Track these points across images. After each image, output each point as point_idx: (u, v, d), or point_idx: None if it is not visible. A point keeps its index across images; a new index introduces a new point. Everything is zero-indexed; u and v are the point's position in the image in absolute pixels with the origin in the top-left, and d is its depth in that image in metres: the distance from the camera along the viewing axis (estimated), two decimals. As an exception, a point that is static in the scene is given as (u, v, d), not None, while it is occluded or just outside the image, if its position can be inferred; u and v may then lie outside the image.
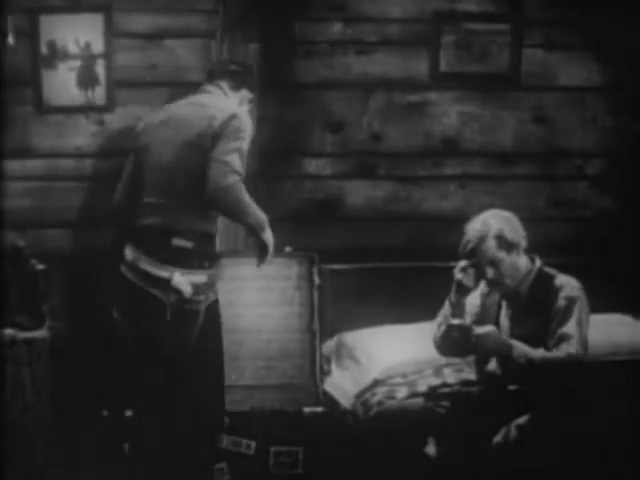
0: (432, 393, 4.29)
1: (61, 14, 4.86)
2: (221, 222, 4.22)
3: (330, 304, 4.91)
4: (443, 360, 4.42)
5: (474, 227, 3.98)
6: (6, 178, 4.86)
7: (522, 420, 3.85)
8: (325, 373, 4.90)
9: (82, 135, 4.98)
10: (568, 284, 3.98)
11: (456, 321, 3.96)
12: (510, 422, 3.86)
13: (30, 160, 4.94)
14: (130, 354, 3.97)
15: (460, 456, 3.91)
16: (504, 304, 4.10)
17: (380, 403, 4.49)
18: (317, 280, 4.83)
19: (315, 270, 4.83)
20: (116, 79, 4.94)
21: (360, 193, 5.26)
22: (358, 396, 4.63)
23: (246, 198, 3.92)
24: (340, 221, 5.25)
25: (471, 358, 4.24)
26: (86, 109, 4.95)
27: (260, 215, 3.97)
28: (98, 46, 4.89)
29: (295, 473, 4.37)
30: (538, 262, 4.06)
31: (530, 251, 4.05)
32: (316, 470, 4.35)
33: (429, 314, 4.26)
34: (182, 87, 5.00)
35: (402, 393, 4.50)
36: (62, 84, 4.89)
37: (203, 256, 3.93)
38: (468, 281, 4.03)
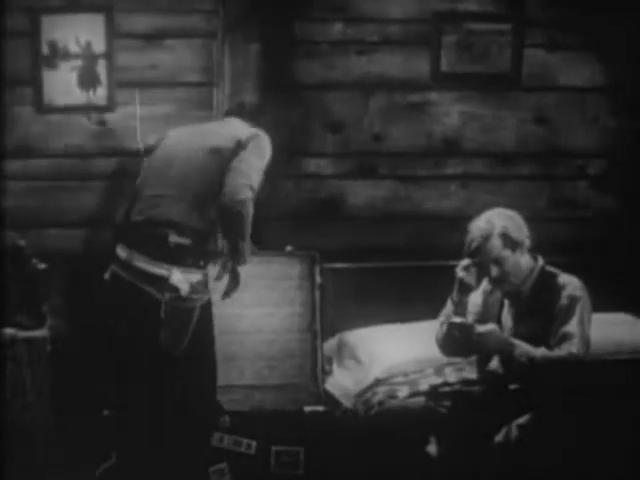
0: (433, 392, 4.28)
1: (62, 14, 4.87)
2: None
3: (331, 303, 4.91)
4: (444, 359, 4.41)
5: (478, 225, 3.98)
6: (7, 178, 4.87)
7: (523, 419, 3.85)
8: (326, 372, 4.90)
9: (83, 135, 4.99)
10: (570, 283, 3.97)
11: (458, 319, 3.96)
12: (511, 421, 3.86)
13: (31, 160, 4.94)
14: (122, 354, 3.95)
15: (461, 455, 3.91)
16: (506, 303, 4.09)
17: (381, 402, 4.49)
18: (318, 279, 4.83)
19: (316, 270, 4.83)
20: (117, 79, 4.94)
21: (361, 193, 5.26)
22: (359, 395, 4.63)
23: (250, 220, 3.97)
24: (341, 221, 5.25)
25: (472, 357, 4.23)
26: (87, 109, 4.96)
27: (249, 246, 4.05)
28: (99, 46, 4.90)
29: (296, 473, 4.36)
30: (541, 261, 4.05)
31: (531, 251, 4.05)
32: (317, 470, 4.35)
33: (430, 313, 4.26)
34: (183, 87, 5.03)
35: (403, 392, 4.50)
36: (63, 84, 4.90)
37: (199, 254, 3.93)
38: (470, 280, 4.02)
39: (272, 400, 4.60)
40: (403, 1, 5.18)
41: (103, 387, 4.36)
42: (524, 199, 5.33)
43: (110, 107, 4.97)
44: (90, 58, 4.90)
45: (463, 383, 4.32)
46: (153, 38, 4.98)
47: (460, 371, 4.51)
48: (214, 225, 4.00)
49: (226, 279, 4.13)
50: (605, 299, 4.38)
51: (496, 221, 3.96)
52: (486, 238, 3.93)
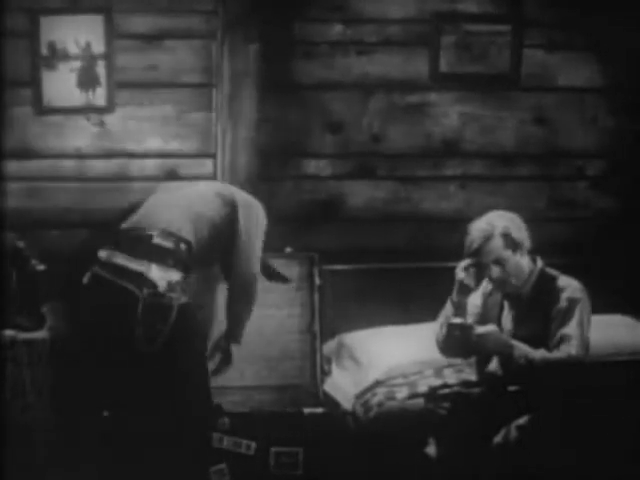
0: (432, 394, 4.28)
1: (61, 15, 4.86)
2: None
3: (330, 305, 4.91)
4: (444, 361, 4.41)
5: (479, 226, 3.98)
6: (6, 179, 4.86)
7: (522, 421, 3.86)
8: (326, 374, 4.90)
9: (82, 136, 4.99)
10: (570, 285, 3.98)
11: (457, 320, 3.96)
12: (510, 423, 3.86)
13: (30, 161, 4.94)
14: (105, 354, 3.92)
15: (460, 457, 3.91)
16: (506, 304, 4.10)
17: (380, 404, 4.49)
18: (318, 281, 4.82)
19: (316, 271, 4.83)
20: (116, 80, 4.93)
21: (360, 194, 5.26)
22: (358, 397, 4.63)
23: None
24: (340, 222, 5.25)
25: (472, 359, 4.23)
26: (86, 110, 4.95)
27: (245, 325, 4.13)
28: (98, 47, 4.90)
29: (295, 474, 4.36)
30: (540, 263, 4.06)
31: (531, 252, 4.05)
32: (316, 471, 4.34)
33: (429, 315, 4.26)
34: (182, 88, 5.03)
35: (402, 394, 4.50)
36: (62, 85, 4.89)
37: (179, 260, 3.92)
38: (470, 281, 4.02)
39: (271, 401, 4.60)
40: (402, 1, 5.17)
41: (95, 388, 4.35)
42: (524, 200, 5.33)
43: (109, 108, 4.97)
44: (89, 59, 4.90)
45: (462, 384, 4.32)
46: (152, 39, 4.97)
47: (459, 372, 4.51)
48: (206, 243, 4.00)
49: (217, 358, 4.17)
50: (605, 300, 4.39)
51: (497, 222, 3.96)
52: (487, 238, 3.93)
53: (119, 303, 3.83)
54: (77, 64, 4.89)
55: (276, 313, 4.79)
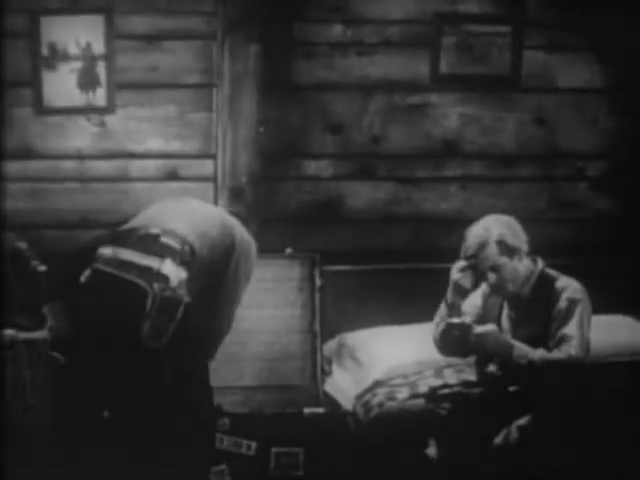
0: (433, 394, 4.28)
1: (62, 15, 4.87)
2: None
3: (331, 305, 4.91)
4: (444, 361, 4.41)
5: (475, 233, 3.97)
6: (6, 179, 4.85)
7: (523, 421, 3.86)
8: (326, 374, 4.90)
9: (82, 136, 4.99)
10: (570, 286, 3.98)
11: (456, 320, 3.97)
12: (511, 423, 3.86)
13: (30, 161, 4.94)
14: (107, 351, 3.92)
15: (461, 457, 3.92)
16: (506, 305, 4.10)
17: (381, 404, 4.49)
18: (318, 281, 4.82)
19: (316, 271, 4.83)
20: (116, 81, 4.93)
21: (361, 195, 5.26)
22: (359, 397, 4.63)
23: None
24: (341, 222, 5.25)
25: (472, 359, 4.23)
26: (87, 110, 4.95)
27: None
28: (99, 47, 4.90)
29: (296, 474, 4.36)
30: (540, 264, 4.05)
31: (531, 252, 4.04)
32: (317, 471, 4.34)
33: (430, 315, 4.25)
34: (182, 89, 5.03)
35: (403, 394, 4.50)
36: (63, 85, 4.90)
37: (184, 261, 3.91)
38: (465, 282, 4.03)
39: (272, 401, 4.59)
40: (403, 2, 5.17)
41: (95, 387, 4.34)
42: (524, 201, 5.34)
43: (110, 108, 4.97)
44: (90, 59, 4.90)
45: (463, 385, 4.31)
46: (153, 39, 4.97)
47: (460, 373, 4.50)
48: (202, 259, 4.00)
49: None
50: (605, 300, 4.39)
51: (493, 228, 3.95)
52: (482, 245, 3.93)
53: (124, 298, 3.82)
54: (77, 64, 4.89)
55: (277, 313, 4.79)
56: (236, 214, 4.39)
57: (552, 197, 5.43)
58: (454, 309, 4.04)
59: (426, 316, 4.41)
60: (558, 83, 5.35)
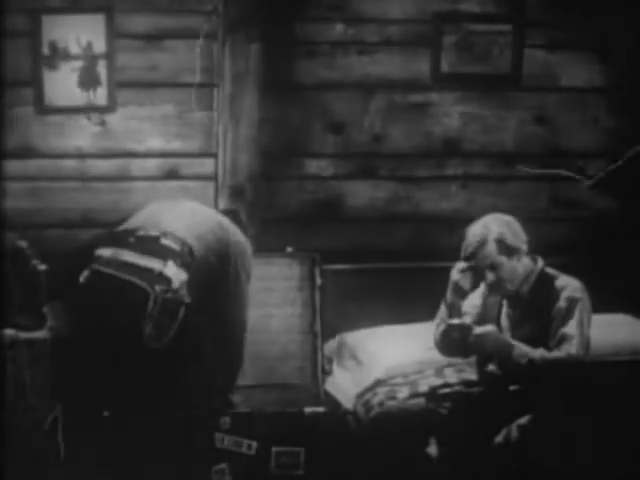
0: (433, 393, 4.28)
1: (63, 14, 4.87)
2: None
3: (331, 304, 4.90)
4: (444, 360, 4.41)
5: (474, 231, 3.97)
6: (7, 178, 4.86)
7: (523, 420, 3.85)
8: (327, 373, 4.90)
9: (83, 136, 4.99)
10: (570, 285, 3.97)
11: (456, 321, 3.97)
12: (511, 422, 3.86)
13: (31, 160, 4.95)
14: (107, 352, 3.92)
15: (461, 456, 3.91)
16: (505, 304, 4.10)
17: (381, 403, 4.49)
18: (319, 281, 4.82)
19: (317, 271, 4.83)
20: (117, 80, 4.94)
21: (361, 194, 5.27)
22: (359, 396, 4.63)
23: None
24: (341, 222, 5.25)
25: (473, 358, 4.23)
26: (87, 109, 4.96)
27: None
28: (99, 46, 4.90)
29: (296, 473, 4.35)
30: (540, 263, 4.05)
31: (531, 251, 4.04)
32: (317, 470, 4.34)
33: (430, 314, 4.25)
34: (183, 88, 5.03)
35: (403, 393, 4.50)
36: (63, 84, 4.90)
37: (184, 262, 3.91)
38: (465, 283, 4.03)
39: (272, 401, 4.58)
40: (404, 1, 5.18)
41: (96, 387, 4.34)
42: (524, 199, 5.34)
43: (110, 108, 4.97)
44: (90, 58, 4.90)
45: (463, 384, 4.32)
46: (153, 38, 4.98)
47: (460, 372, 4.51)
48: (202, 262, 4.00)
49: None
50: (605, 299, 4.39)
51: (492, 227, 3.95)
52: (482, 244, 3.92)
53: (125, 299, 3.82)
54: (78, 64, 4.90)
55: (277, 312, 4.79)
56: (231, 213, 4.39)
57: (552, 196, 5.44)
58: (454, 309, 4.04)
59: (426, 315, 4.41)
60: (559, 82, 5.35)
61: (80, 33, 4.88)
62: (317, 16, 5.13)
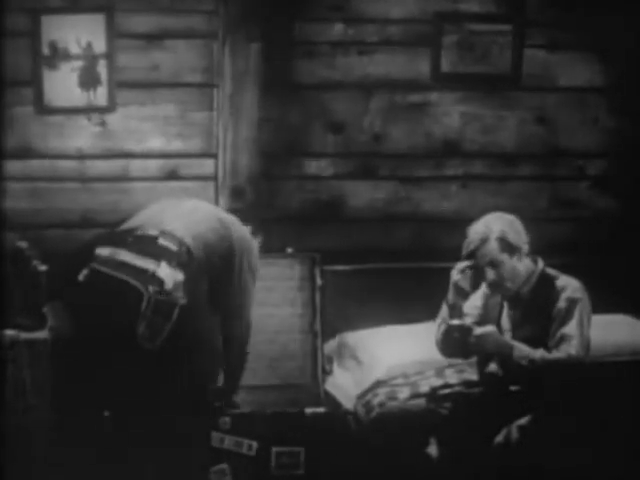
0: (434, 394, 4.28)
1: (63, 14, 4.86)
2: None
3: (332, 304, 4.90)
4: (445, 361, 4.41)
5: (476, 229, 3.98)
6: (7, 178, 4.86)
7: (523, 421, 3.86)
8: (327, 373, 4.90)
9: (83, 136, 4.99)
10: (570, 285, 3.98)
11: (456, 322, 3.97)
12: (511, 423, 3.86)
13: (31, 160, 4.94)
14: (104, 351, 3.92)
15: (462, 457, 3.91)
16: (506, 305, 4.10)
17: (382, 404, 4.49)
18: (319, 281, 4.82)
19: (317, 271, 4.83)
20: (117, 80, 4.93)
21: (362, 194, 5.26)
22: (360, 397, 4.63)
23: None
24: (342, 222, 5.25)
25: (473, 359, 4.23)
26: (87, 110, 4.95)
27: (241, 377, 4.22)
28: (100, 46, 4.90)
29: (297, 474, 4.35)
30: (541, 263, 4.05)
31: (532, 251, 4.04)
32: (318, 471, 4.34)
33: (430, 315, 4.26)
34: (183, 88, 5.03)
35: (404, 394, 4.50)
36: (63, 84, 4.90)
37: (181, 263, 3.91)
38: (465, 283, 4.03)
39: (273, 401, 4.59)
40: (404, 1, 5.17)
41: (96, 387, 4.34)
42: (525, 199, 5.34)
43: (110, 108, 4.97)
44: (91, 58, 4.90)
45: (464, 385, 4.32)
46: (154, 38, 4.97)
47: (461, 373, 4.51)
48: (199, 263, 4.00)
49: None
50: (606, 300, 4.39)
51: (494, 225, 3.96)
52: (483, 241, 3.93)
53: (120, 299, 3.82)
54: (78, 64, 4.89)
55: (277, 312, 4.79)
56: (234, 212, 4.39)
57: (553, 196, 5.44)
58: (455, 310, 4.04)
59: (427, 315, 4.42)
60: (559, 82, 5.35)
61: (80, 33, 4.87)
62: (317, 16, 5.13)
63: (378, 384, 4.60)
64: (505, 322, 4.08)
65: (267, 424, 4.35)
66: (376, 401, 4.52)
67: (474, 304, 4.13)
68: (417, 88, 5.25)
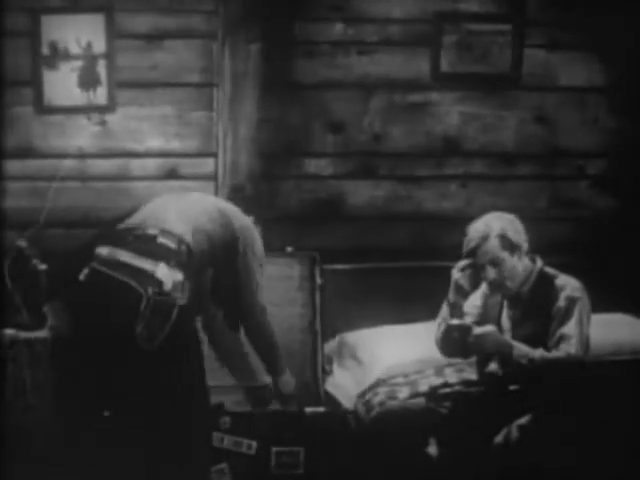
0: (433, 393, 4.28)
1: (62, 14, 4.87)
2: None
3: (332, 304, 4.91)
4: (445, 360, 4.41)
5: (477, 227, 3.98)
6: (7, 178, 4.86)
7: (523, 420, 3.85)
8: (327, 373, 4.90)
9: (83, 135, 4.99)
10: (569, 284, 3.97)
11: (456, 321, 3.97)
12: (511, 422, 3.86)
13: (31, 160, 4.94)
14: (103, 351, 3.92)
15: (461, 456, 3.91)
16: (506, 304, 4.10)
17: (382, 403, 4.49)
18: (319, 280, 4.83)
19: (317, 270, 4.83)
20: (117, 80, 4.94)
21: (361, 193, 5.27)
22: (360, 396, 4.63)
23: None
24: (342, 221, 5.25)
25: (473, 358, 4.23)
26: (87, 109, 4.95)
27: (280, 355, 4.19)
28: (99, 46, 4.90)
29: (296, 473, 4.35)
30: (539, 263, 4.05)
31: (531, 251, 4.04)
32: (317, 470, 4.34)
33: (430, 314, 4.26)
34: (183, 88, 5.03)
35: (404, 393, 4.50)
36: (63, 84, 4.90)
37: (180, 261, 3.91)
38: (464, 281, 4.03)
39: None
40: (403, 1, 5.18)
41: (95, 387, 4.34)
42: (525, 199, 5.35)
43: (110, 107, 4.97)
44: (90, 58, 4.90)
45: (463, 384, 4.32)
46: (153, 38, 4.97)
47: (460, 372, 4.51)
48: (201, 257, 4.00)
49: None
50: (605, 299, 4.39)
51: (495, 223, 3.96)
52: (484, 239, 3.93)
53: (119, 299, 3.82)
54: (78, 63, 4.90)
55: (277, 312, 4.76)
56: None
57: (552, 195, 5.44)
58: (456, 309, 4.04)
59: (427, 315, 4.42)
60: (559, 82, 5.35)
61: (80, 33, 4.87)
62: (317, 16, 5.13)
63: (378, 383, 4.60)
64: (505, 321, 4.08)
65: (267, 423, 4.35)
66: (376, 400, 4.52)
67: (474, 303, 4.13)
68: (417, 88, 5.26)
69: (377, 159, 5.27)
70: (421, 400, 4.35)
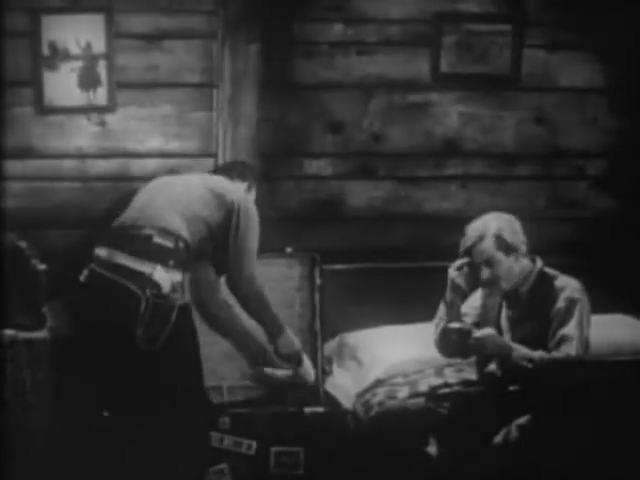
0: (433, 393, 4.28)
1: (62, 14, 4.86)
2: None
3: (331, 304, 4.90)
4: (444, 360, 4.41)
5: (474, 227, 3.99)
6: (7, 178, 4.86)
7: (523, 420, 3.85)
8: (327, 373, 4.90)
9: (83, 136, 4.99)
10: (569, 285, 3.97)
11: (455, 324, 3.97)
12: (511, 422, 3.86)
13: (31, 160, 4.95)
14: (103, 353, 3.92)
15: (461, 456, 3.91)
16: (505, 305, 4.10)
17: (381, 403, 4.49)
18: (318, 281, 4.82)
19: (316, 271, 4.82)
20: (117, 80, 4.94)
21: (361, 194, 5.27)
22: (359, 396, 4.63)
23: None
24: (341, 222, 5.25)
25: (472, 358, 4.23)
26: (87, 110, 4.96)
27: (277, 319, 4.17)
28: (99, 47, 4.90)
29: (296, 473, 4.36)
30: (539, 263, 4.05)
31: (531, 251, 4.04)
32: (317, 470, 4.35)
33: (430, 314, 4.25)
34: (183, 88, 5.03)
35: (403, 393, 4.50)
36: (63, 85, 4.90)
37: (179, 260, 3.91)
38: (461, 280, 4.03)
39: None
40: (403, 1, 5.18)
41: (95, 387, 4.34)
42: (524, 199, 5.35)
43: (110, 108, 4.97)
44: (90, 59, 4.90)
45: (463, 384, 4.32)
46: (153, 39, 4.97)
47: (460, 372, 4.51)
48: (201, 243, 4.00)
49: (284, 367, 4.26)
50: (605, 300, 4.39)
51: (492, 223, 3.96)
52: (480, 238, 3.94)
53: (119, 302, 3.82)
54: (78, 64, 4.89)
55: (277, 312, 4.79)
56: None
57: (552, 196, 5.44)
58: (453, 308, 4.04)
59: (426, 315, 4.41)
60: (558, 82, 5.35)
61: (80, 33, 4.87)
62: (316, 16, 5.13)
63: (378, 383, 4.61)
64: (504, 323, 4.08)
65: (266, 424, 4.36)
66: (375, 400, 4.52)
67: (473, 304, 4.13)
68: (416, 88, 5.26)
69: (377, 159, 5.27)
70: (421, 400, 4.35)
